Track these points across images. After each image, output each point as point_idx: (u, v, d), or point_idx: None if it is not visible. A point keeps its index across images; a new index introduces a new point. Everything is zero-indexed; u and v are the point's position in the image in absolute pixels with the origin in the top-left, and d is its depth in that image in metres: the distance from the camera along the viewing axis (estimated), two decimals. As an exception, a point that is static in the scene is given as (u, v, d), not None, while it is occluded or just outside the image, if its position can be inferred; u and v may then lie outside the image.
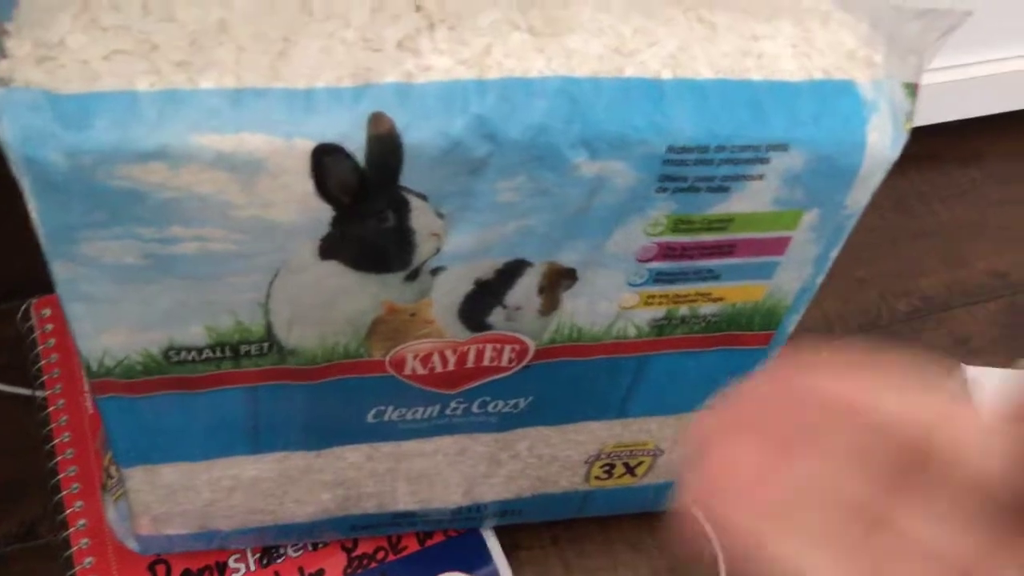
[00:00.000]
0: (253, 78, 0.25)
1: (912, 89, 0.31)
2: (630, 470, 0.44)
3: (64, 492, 0.46)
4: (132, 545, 0.43)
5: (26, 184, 0.25)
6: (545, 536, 0.49)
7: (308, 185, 0.26)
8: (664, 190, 0.30)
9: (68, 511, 0.46)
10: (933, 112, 0.66)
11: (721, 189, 0.30)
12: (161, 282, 0.29)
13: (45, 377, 0.50)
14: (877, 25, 0.31)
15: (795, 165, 0.30)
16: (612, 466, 0.44)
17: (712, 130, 0.29)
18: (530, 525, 0.48)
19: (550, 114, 0.27)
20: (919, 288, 0.62)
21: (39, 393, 0.49)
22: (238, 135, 0.25)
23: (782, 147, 0.29)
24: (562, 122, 0.28)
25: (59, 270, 0.28)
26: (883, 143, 0.30)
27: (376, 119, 0.26)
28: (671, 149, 0.29)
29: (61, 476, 0.47)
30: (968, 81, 0.64)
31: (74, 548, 0.45)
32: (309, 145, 0.26)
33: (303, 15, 0.26)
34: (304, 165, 0.26)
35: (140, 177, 0.25)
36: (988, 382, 0.47)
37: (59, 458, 0.47)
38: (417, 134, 0.26)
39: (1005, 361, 0.58)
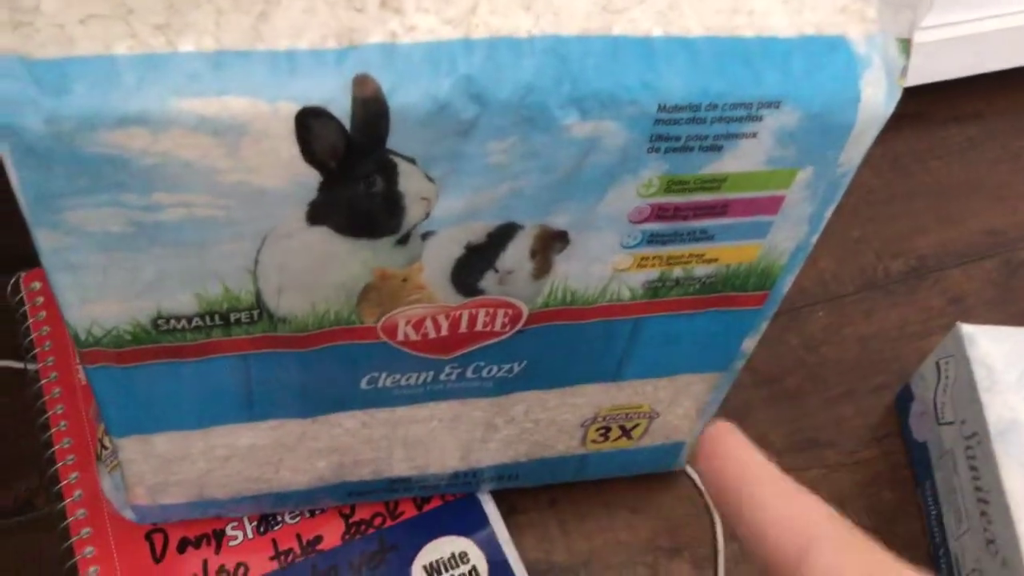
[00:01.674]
0: (234, 40, 0.25)
1: (906, 44, 0.30)
2: (626, 432, 0.44)
3: (59, 464, 0.46)
4: (128, 515, 0.43)
5: (5, 152, 0.25)
6: (543, 499, 0.49)
7: (293, 149, 0.26)
8: (656, 150, 0.29)
9: (64, 483, 0.46)
10: (929, 70, 0.65)
11: (714, 148, 0.30)
12: (147, 250, 0.28)
13: (36, 350, 0.49)
14: (871, -22, 0.31)
15: (788, 122, 0.29)
16: (608, 429, 0.44)
17: (704, 88, 0.28)
18: (528, 489, 0.48)
19: (539, 74, 0.27)
20: (914, 247, 0.61)
21: (31, 366, 0.49)
22: (220, 99, 0.24)
23: (775, 104, 0.29)
24: (551, 82, 0.27)
25: (43, 239, 0.27)
26: (877, 99, 0.30)
27: (361, 81, 0.25)
28: (662, 108, 0.28)
29: (56, 448, 0.47)
30: (965, 38, 0.64)
31: (70, 519, 0.45)
32: (293, 108, 0.25)
33: (284, -25, 0.26)
34: (289, 129, 0.25)
35: (122, 143, 0.25)
36: (983, 340, 0.47)
37: (53, 430, 0.47)
38: (403, 96, 0.26)
39: (1000, 319, 0.58)
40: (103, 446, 0.43)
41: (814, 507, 0.21)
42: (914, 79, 0.64)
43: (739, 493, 0.22)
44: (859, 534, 0.21)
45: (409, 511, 0.47)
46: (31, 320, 0.50)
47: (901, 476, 0.52)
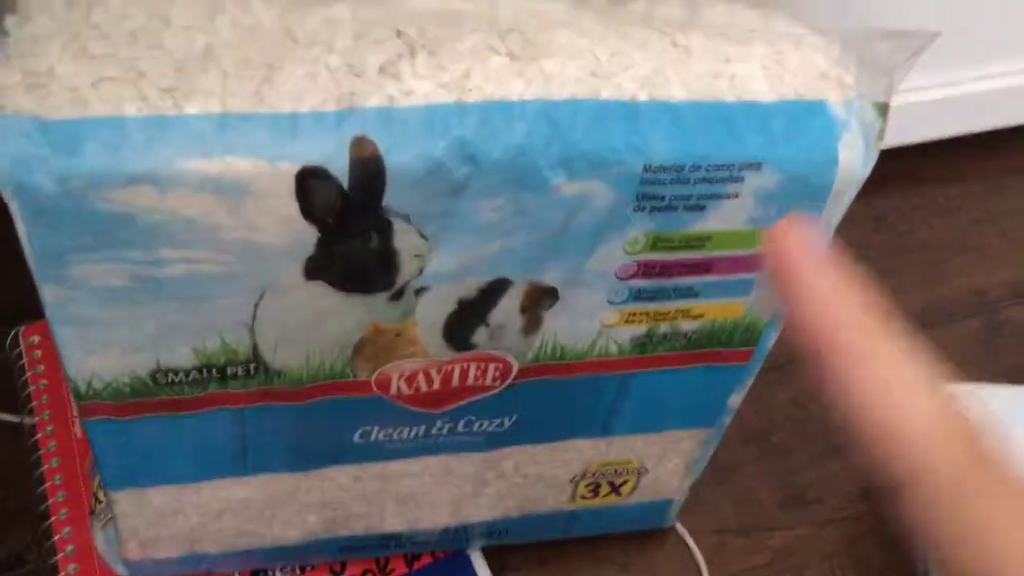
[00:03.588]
0: (238, 103, 0.26)
1: (883, 108, 0.32)
2: (615, 489, 0.45)
3: (53, 518, 0.46)
4: (120, 570, 0.43)
5: (16, 209, 0.26)
6: (532, 557, 0.49)
7: (293, 207, 0.27)
8: (642, 209, 0.31)
9: (56, 537, 0.46)
10: (913, 132, 0.67)
11: (697, 208, 0.31)
12: (149, 304, 0.29)
13: (34, 404, 0.50)
14: (848, 46, 0.32)
15: (769, 184, 0.31)
16: (598, 485, 0.44)
17: (687, 150, 0.29)
18: (518, 547, 0.48)
19: (530, 136, 0.28)
20: (899, 305, 0.62)
21: (27, 420, 0.49)
22: (224, 159, 0.26)
23: (755, 166, 0.30)
24: (541, 144, 0.28)
25: (48, 293, 0.28)
26: (855, 161, 0.31)
27: (359, 142, 0.26)
28: (647, 168, 0.29)
29: (50, 502, 0.47)
30: (947, 100, 0.65)
31: (61, 574, 0.45)
32: (294, 168, 0.26)
33: (287, 41, 0.27)
34: (289, 188, 0.26)
35: (129, 200, 0.26)
36: (968, 399, 0.48)
37: (47, 484, 0.47)
38: (400, 157, 0.27)
39: (984, 377, 0.59)
40: (97, 500, 0.43)
41: (922, 424, 0.20)
42: (897, 139, 0.66)
43: (822, 356, 0.21)
44: (975, 473, 0.20)
45: (400, 568, 0.47)
46: (28, 374, 0.51)
47: (889, 532, 0.52)
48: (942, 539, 0.19)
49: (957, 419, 0.20)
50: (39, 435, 0.49)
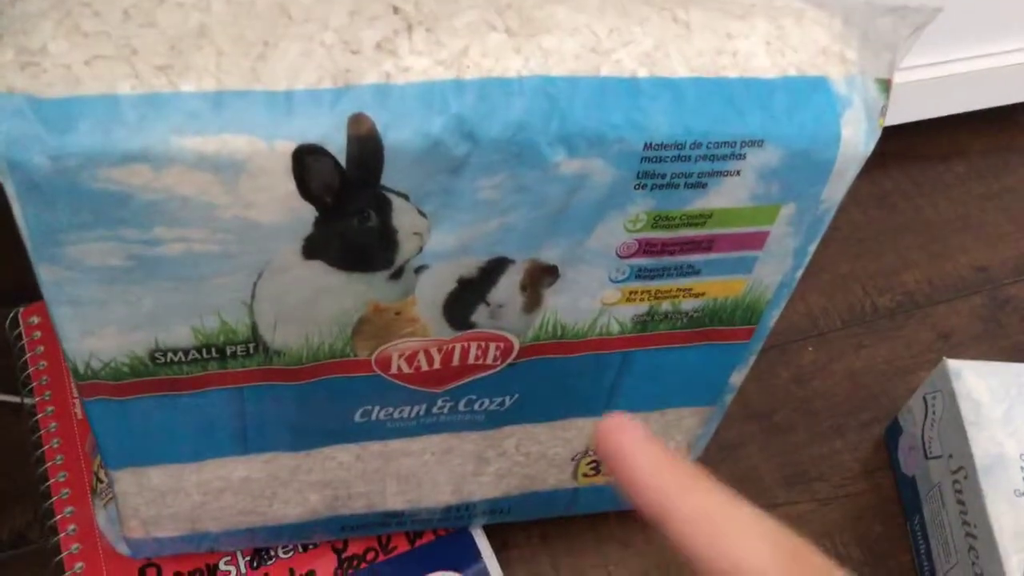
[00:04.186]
0: (233, 81, 0.26)
1: (885, 85, 0.31)
2: (617, 466, 0.45)
3: (54, 498, 0.46)
4: (122, 549, 0.43)
5: (11, 188, 0.25)
6: (535, 534, 0.49)
7: (290, 185, 0.27)
8: (643, 187, 0.30)
9: (58, 516, 0.46)
10: (916, 109, 0.67)
11: (699, 185, 0.31)
12: (146, 284, 0.29)
13: (34, 384, 0.50)
14: (850, 21, 0.32)
15: (771, 160, 0.30)
16: (599, 463, 0.44)
17: (688, 127, 0.29)
18: (520, 524, 0.48)
19: (528, 113, 0.28)
20: (902, 283, 0.62)
21: (28, 400, 0.49)
22: (219, 137, 0.25)
23: (757, 143, 0.30)
24: (540, 120, 0.28)
25: (45, 273, 0.28)
26: (857, 138, 0.31)
27: (356, 120, 0.26)
28: (648, 146, 0.29)
29: (51, 482, 0.47)
30: (950, 77, 0.65)
31: (64, 553, 0.45)
32: (290, 146, 0.26)
33: (282, 18, 0.27)
34: (285, 166, 0.26)
35: (123, 179, 0.26)
36: (969, 375, 0.48)
37: (48, 464, 0.47)
38: (397, 134, 0.27)
39: (987, 354, 0.59)
40: (99, 479, 0.43)
41: (754, 550, 0.21)
42: (900, 117, 0.65)
43: (659, 519, 0.22)
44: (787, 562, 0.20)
45: (402, 546, 0.47)
46: (29, 354, 0.51)
47: (891, 510, 0.52)
48: None
49: (784, 538, 0.21)
50: (39, 415, 0.49)
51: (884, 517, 0.52)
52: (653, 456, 0.22)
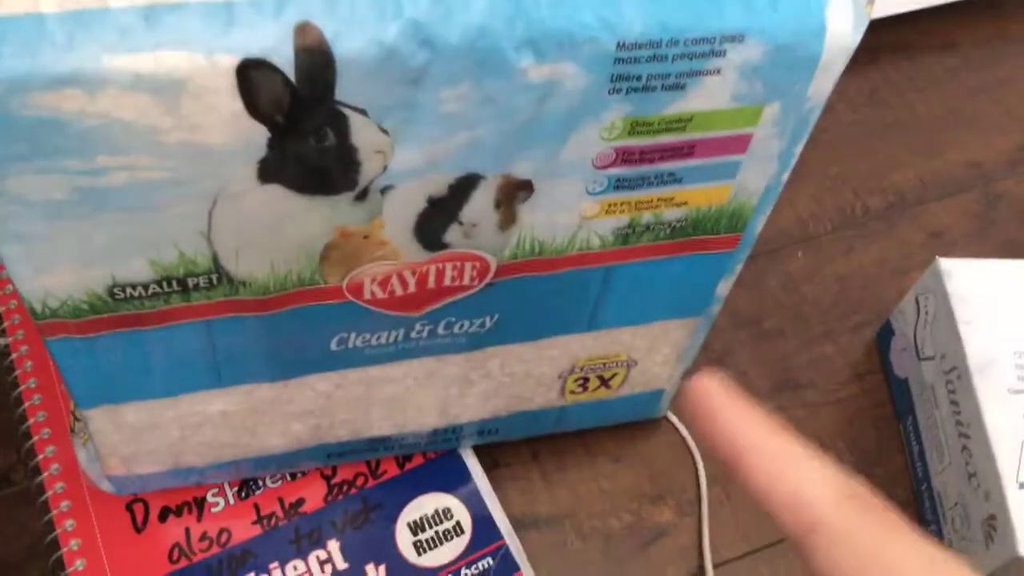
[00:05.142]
0: (166, -8, 0.24)
1: (873, -30, 0.29)
2: (605, 383, 0.44)
3: (35, 438, 0.46)
4: (106, 486, 0.42)
5: (-65, 120, 0.24)
6: (525, 452, 0.48)
7: (236, 104, 0.25)
8: (617, 91, 0.29)
9: (40, 457, 0.45)
10: (904, 0, 0.64)
11: (677, 87, 0.29)
12: (95, 217, 0.27)
13: (6, 324, 0.49)
14: (835, -97, 0.29)
15: (752, 57, 0.29)
16: (586, 379, 0.43)
17: (664, 23, 0.27)
18: (509, 443, 0.48)
19: (490, 14, 0.26)
20: (893, 183, 0.61)
21: (1, 341, 0.48)
22: (154, 54, 0.23)
23: (738, 38, 0.28)
24: (504, 22, 0.26)
25: (-14, 210, 0.27)
26: (843, 29, 0.29)
27: (302, 29, 0.24)
28: (622, 46, 0.27)
29: (30, 422, 0.46)
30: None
31: (49, 493, 0.44)
32: (232, 61, 0.24)
33: (217, -80, 0.24)
34: (229, 83, 0.24)
35: (56, 105, 0.24)
36: (962, 274, 0.47)
37: (26, 404, 0.46)
38: (348, 43, 0.25)
39: (981, 252, 0.57)
40: (76, 418, 0.42)
41: (815, 484, 0.22)
42: (889, 8, 0.63)
43: (735, 460, 0.23)
44: (862, 515, 0.21)
45: (391, 470, 0.47)
46: (-3, 294, 0.49)
47: (883, 413, 0.51)
48: None
49: (847, 481, 0.22)
50: (14, 356, 0.48)
51: (876, 420, 0.51)
52: (735, 402, 0.24)
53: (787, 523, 0.22)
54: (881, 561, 0.21)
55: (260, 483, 0.46)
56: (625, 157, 0.31)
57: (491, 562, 0.45)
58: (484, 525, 0.45)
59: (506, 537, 0.45)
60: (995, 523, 0.41)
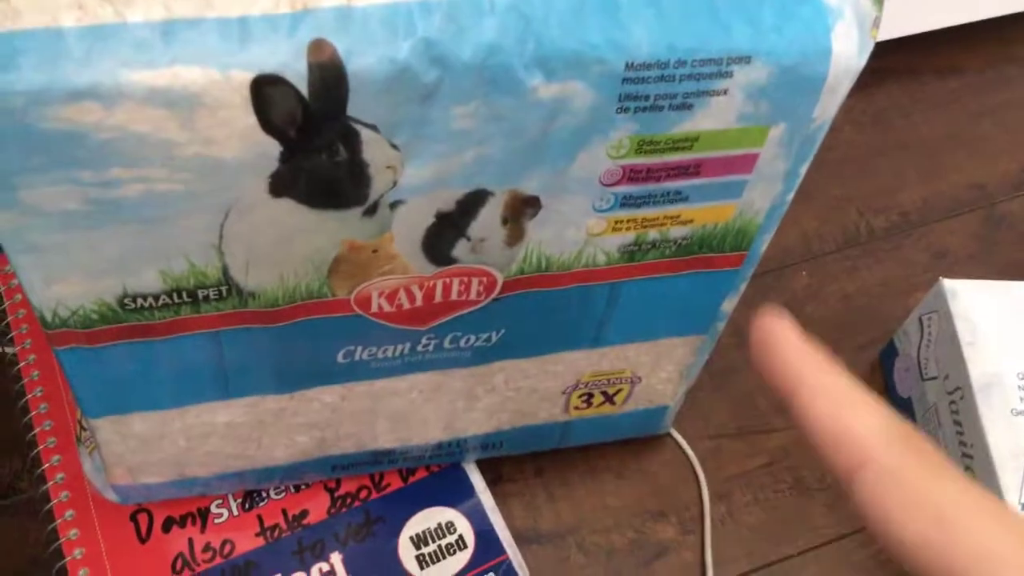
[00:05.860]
0: (183, 8, 0.24)
1: (878, -6, 0.30)
2: (609, 399, 0.44)
3: (40, 447, 0.46)
4: (111, 496, 0.42)
5: (-46, 131, 0.24)
6: (528, 468, 0.49)
7: (250, 119, 0.25)
8: (625, 110, 0.29)
9: (45, 465, 0.45)
10: (909, 23, 0.65)
11: (684, 107, 0.29)
12: (107, 228, 0.28)
13: (13, 333, 0.49)
14: (841, -72, 0.30)
15: (759, 78, 0.29)
16: (591, 395, 0.44)
17: (671, 44, 0.28)
18: (513, 457, 0.48)
19: (501, 33, 0.26)
20: (897, 203, 0.61)
21: (9, 350, 0.49)
22: (171, 69, 0.24)
23: (745, 59, 0.28)
24: (514, 41, 0.26)
25: (1, 220, 0.27)
26: (849, 51, 0.29)
27: (316, 46, 0.25)
28: (630, 66, 0.28)
29: (36, 431, 0.46)
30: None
31: (54, 502, 0.44)
32: (247, 76, 0.24)
33: (234, -61, 0.25)
34: (244, 98, 0.25)
35: (74, 117, 0.24)
36: (965, 295, 0.47)
37: (33, 413, 0.47)
38: (361, 60, 0.25)
39: (984, 273, 0.58)
40: (82, 427, 0.43)
41: (866, 423, 0.22)
42: (894, 31, 0.63)
43: (791, 395, 0.23)
44: (911, 455, 0.22)
45: (395, 483, 0.47)
46: (7, 303, 0.50)
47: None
48: (889, 519, 0.21)
49: (897, 422, 0.23)
50: (21, 364, 0.48)
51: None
52: (795, 341, 0.24)
53: (836, 459, 0.22)
54: (927, 500, 0.21)
55: (264, 495, 0.46)
56: (632, 175, 0.31)
57: (493, 577, 0.45)
58: (487, 539, 0.46)
59: (509, 552, 0.45)
60: (997, 544, 0.41)
